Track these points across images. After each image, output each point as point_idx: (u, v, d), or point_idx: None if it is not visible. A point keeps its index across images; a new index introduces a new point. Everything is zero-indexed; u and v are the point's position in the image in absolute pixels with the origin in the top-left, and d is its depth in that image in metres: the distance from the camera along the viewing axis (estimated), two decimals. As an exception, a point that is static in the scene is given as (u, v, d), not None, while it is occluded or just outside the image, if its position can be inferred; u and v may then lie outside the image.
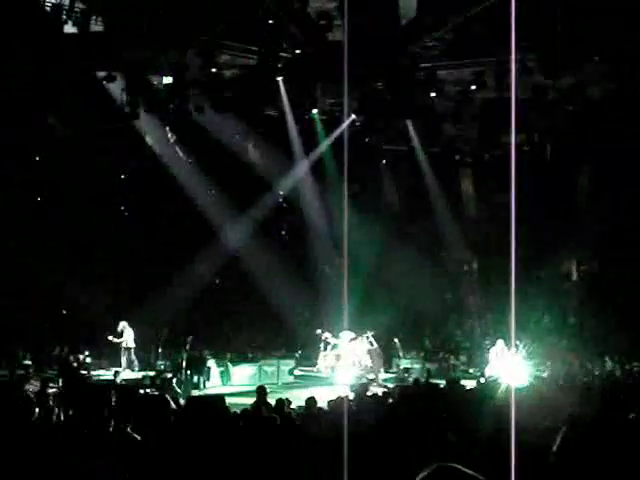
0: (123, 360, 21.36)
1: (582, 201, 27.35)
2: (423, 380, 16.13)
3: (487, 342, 23.28)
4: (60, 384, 16.94)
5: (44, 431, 7.14)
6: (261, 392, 12.05)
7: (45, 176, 24.46)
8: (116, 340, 21.35)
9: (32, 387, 13.48)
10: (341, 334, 21.42)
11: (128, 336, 21.50)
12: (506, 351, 19.38)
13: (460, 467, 2.73)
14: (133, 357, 21.52)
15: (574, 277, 28.66)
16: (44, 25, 18.72)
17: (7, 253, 22.57)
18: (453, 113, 23.54)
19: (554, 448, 3.09)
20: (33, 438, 6.56)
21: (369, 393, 12.19)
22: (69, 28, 18.79)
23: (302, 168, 26.66)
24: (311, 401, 10.72)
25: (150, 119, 23.91)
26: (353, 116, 23.63)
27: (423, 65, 21.28)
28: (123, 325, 21.57)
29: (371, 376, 20.59)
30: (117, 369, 19.39)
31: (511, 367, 17.62)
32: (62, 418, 7.90)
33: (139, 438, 6.71)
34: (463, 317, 28.47)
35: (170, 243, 26.23)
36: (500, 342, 19.94)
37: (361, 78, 20.97)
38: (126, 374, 20.13)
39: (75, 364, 20.91)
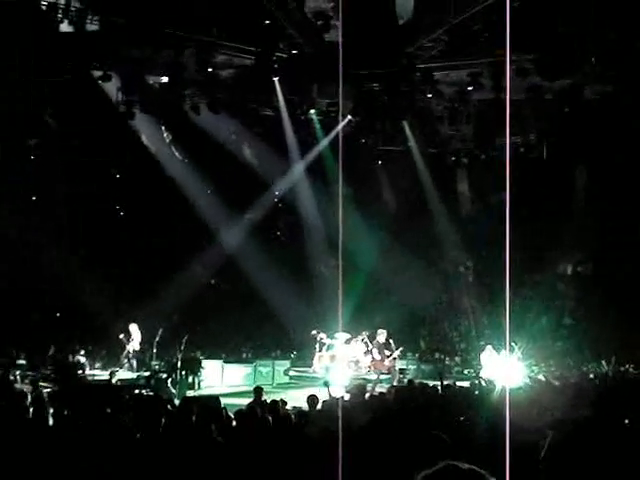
0: (125, 361, 21.32)
1: (578, 202, 27.36)
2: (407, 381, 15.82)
3: (482, 343, 23.25)
4: (55, 384, 16.86)
5: (39, 431, 7.12)
6: (258, 393, 12.21)
7: (39, 175, 24.34)
8: (126, 341, 21.33)
9: (24, 387, 13.45)
10: (336, 335, 21.39)
11: (136, 338, 21.49)
12: (495, 355, 19.31)
13: (470, 466, 2.70)
14: (134, 360, 21.50)
15: (570, 278, 28.63)
16: (40, 24, 18.68)
17: (0, 253, 22.50)
18: (449, 114, 23.56)
19: (542, 453, 3.08)
20: (27, 437, 6.54)
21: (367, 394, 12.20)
22: (65, 27, 18.76)
23: (298, 168, 26.62)
24: (313, 399, 10.68)
25: (146, 119, 23.86)
26: (349, 117, 23.60)
27: (419, 66, 21.31)
28: (133, 327, 21.57)
29: (372, 377, 20.42)
30: (113, 369, 19.31)
31: (506, 368, 17.59)
32: (57, 418, 7.87)
33: (137, 436, 6.69)
34: (458, 318, 28.43)
35: (166, 243, 26.16)
36: (489, 348, 19.83)
37: (357, 78, 21.00)
38: (121, 374, 20.05)
39: (70, 364, 20.83)
